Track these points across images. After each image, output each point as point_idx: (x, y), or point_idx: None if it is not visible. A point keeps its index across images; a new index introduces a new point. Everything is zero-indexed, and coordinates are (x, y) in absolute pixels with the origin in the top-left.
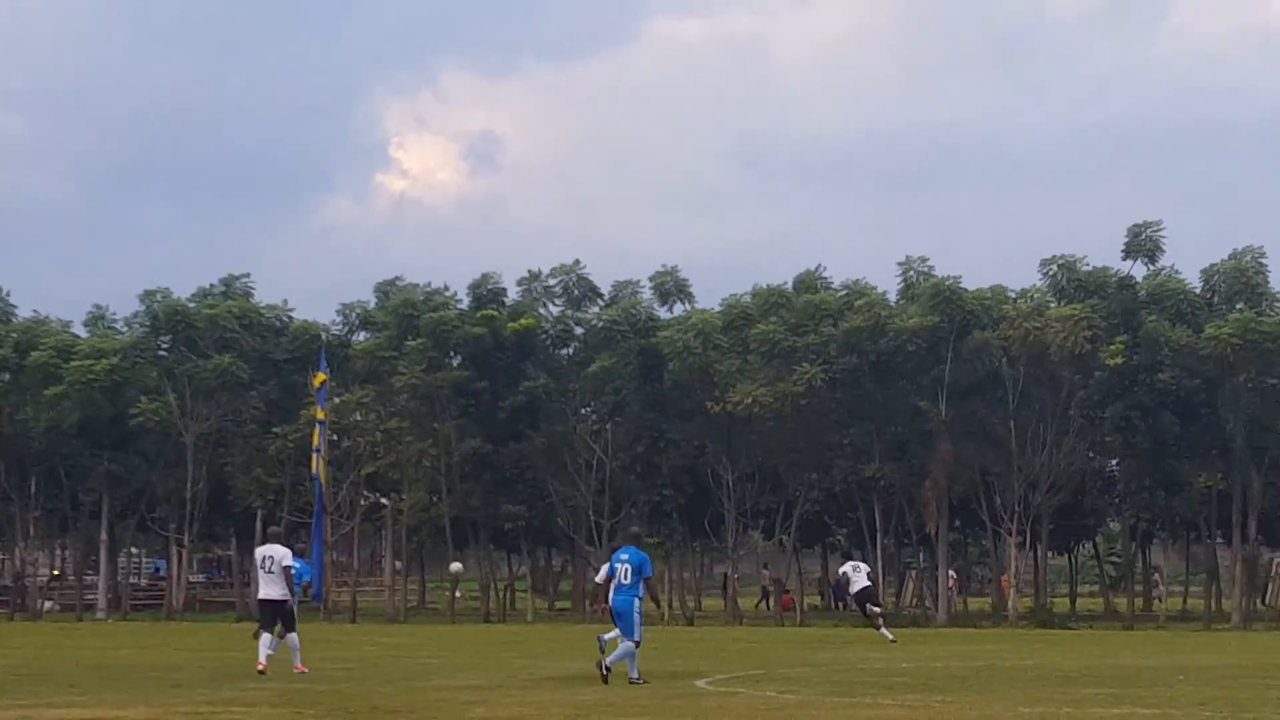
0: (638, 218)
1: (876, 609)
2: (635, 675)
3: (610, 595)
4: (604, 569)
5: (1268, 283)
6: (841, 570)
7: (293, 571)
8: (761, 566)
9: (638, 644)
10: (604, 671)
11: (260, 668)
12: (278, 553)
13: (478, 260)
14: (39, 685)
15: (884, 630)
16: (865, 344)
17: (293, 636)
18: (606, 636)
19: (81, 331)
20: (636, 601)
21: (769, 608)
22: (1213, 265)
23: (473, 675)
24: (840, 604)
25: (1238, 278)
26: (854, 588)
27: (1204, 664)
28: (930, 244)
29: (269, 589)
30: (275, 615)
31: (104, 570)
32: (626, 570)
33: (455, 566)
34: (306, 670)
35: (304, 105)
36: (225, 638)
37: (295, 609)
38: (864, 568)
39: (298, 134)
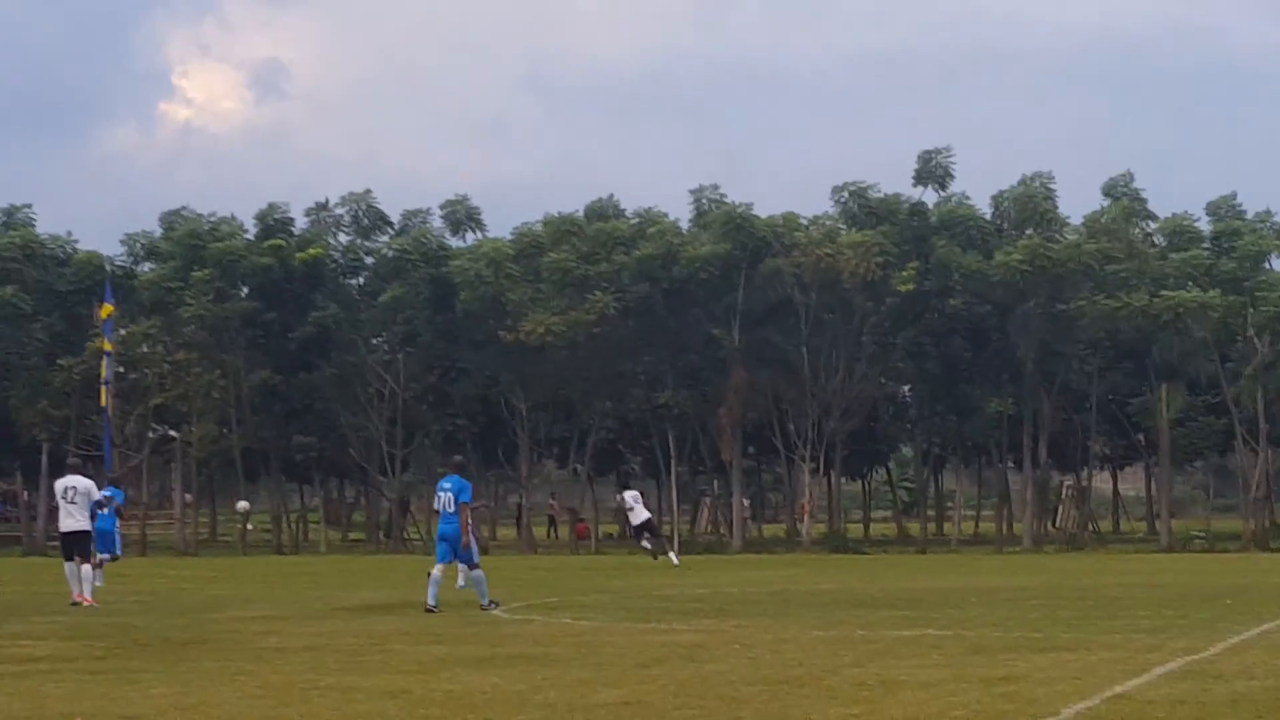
0: (427, 146)
1: (657, 541)
2: (433, 603)
3: (439, 523)
4: (634, 500)
5: (1056, 209)
6: (619, 499)
7: (108, 497)
8: (550, 495)
9: (476, 565)
10: (492, 606)
11: (88, 602)
12: (80, 484)
13: (266, 190)
14: None
15: (670, 554)
16: (658, 272)
17: (86, 568)
18: (433, 592)
19: None
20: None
21: (555, 536)
22: (1002, 192)
23: (265, 607)
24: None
25: (1027, 204)
26: (635, 519)
27: (996, 586)
28: (721, 171)
29: (71, 520)
30: (75, 546)
31: None
32: (450, 499)
33: (242, 505)
34: (97, 605)
35: (82, 32)
36: (12, 573)
37: (116, 536)
38: (641, 497)
39: (76, 62)
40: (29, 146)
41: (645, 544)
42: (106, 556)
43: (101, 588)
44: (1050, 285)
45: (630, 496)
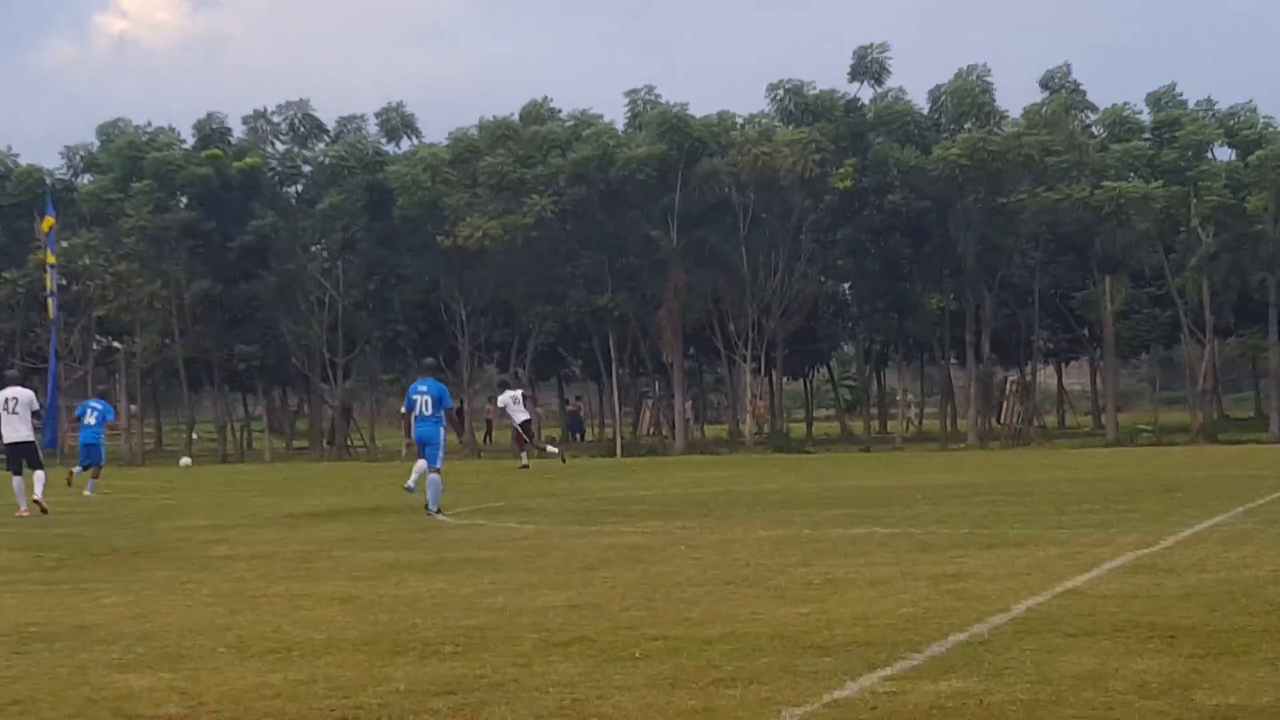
0: (361, 52)
1: (529, 444)
2: (434, 508)
3: (413, 427)
4: (512, 402)
5: (994, 102)
6: (501, 402)
7: (98, 414)
8: (486, 400)
9: (438, 471)
10: (437, 513)
11: (23, 514)
12: (22, 395)
13: (203, 102)
14: None
15: (524, 456)
16: (594, 174)
17: (40, 474)
18: (411, 483)
19: None
20: (440, 430)
21: (490, 441)
22: (939, 86)
23: (212, 515)
24: (578, 435)
25: (964, 97)
26: (518, 419)
27: (942, 483)
28: (656, 72)
29: (13, 431)
30: (21, 457)
31: None
32: (427, 402)
33: (184, 461)
34: (47, 513)
35: None
36: None
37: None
38: (520, 397)
39: None
40: None
41: (551, 447)
42: (94, 470)
43: (91, 497)
44: (990, 179)
45: (509, 397)
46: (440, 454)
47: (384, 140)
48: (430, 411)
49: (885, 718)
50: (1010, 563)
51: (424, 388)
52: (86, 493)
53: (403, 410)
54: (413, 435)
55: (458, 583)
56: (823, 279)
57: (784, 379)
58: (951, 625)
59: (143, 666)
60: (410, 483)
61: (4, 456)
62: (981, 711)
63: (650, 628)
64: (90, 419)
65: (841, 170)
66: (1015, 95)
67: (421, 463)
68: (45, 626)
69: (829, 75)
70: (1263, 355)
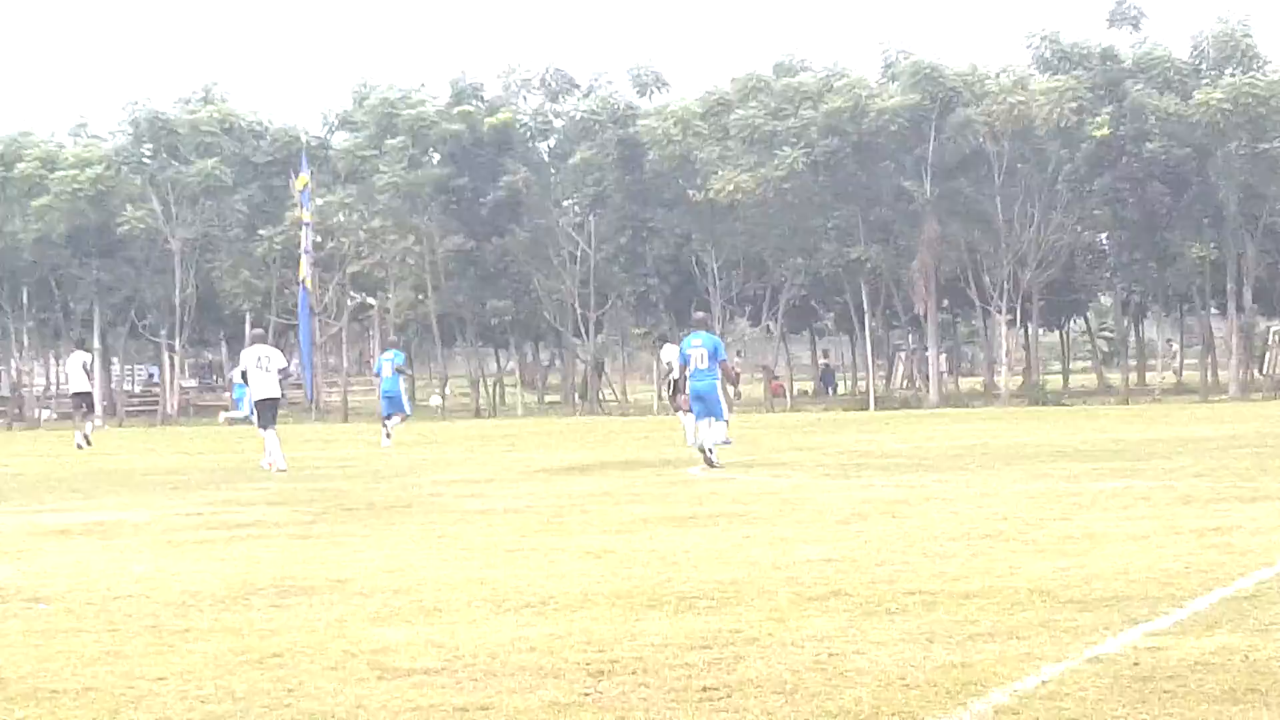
0: (610, 8)
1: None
2: (702, 444)
3: (688, 381)
4: (676, 357)
5: (1256, 46)
6: (667, 357)
7: (391, 363)
8: (735, 354)
9: (725, 423)
10: (708, 454)
11: (282, 468)
12: (273, 353)
13: (454, 58)
14: (41, 491)
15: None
16: (846, 125)
17: (271, 433)
18: (690, 428)
19: (66, 142)
20: (716, 384)
21: (738, 395)
22: (1200, 31)
23: (466, 470)
24: (831, 389)
25: (1226, 42)
26: (676, 374)
27: (1203, 435)
28: (909, 23)
29: (267, 387)
30: (273, 412)
31: (98, 378)
32: (702, 355)
33: (435, 399)
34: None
35: None
36: (220, 441)
37: (402, 396)
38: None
39: None
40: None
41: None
42: (399, 419)
43: (388, 448)
44: (1253, 125)
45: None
46: (722, 407)
47: (635, 95)
48: (705, 364)
49: (1147, 673)
50: (1275, 516)
51: (697, 340)
52: (383, 444)
53: (677, 365)
54: (687, 390)
55: (711, 537)
56: (1079, 229)
57: (1040, 330)
58: (1214, 580)
59: (399, 620)
60: (710, 455)
61: (251, 413)
62: (1247, 667)
63: (906, 582)
64: (387, 370)
65: (1098, 119)
66: (1278, 41)
67: (689, 418)
68: (303, 580)
69: (1085, 23)
70: None
